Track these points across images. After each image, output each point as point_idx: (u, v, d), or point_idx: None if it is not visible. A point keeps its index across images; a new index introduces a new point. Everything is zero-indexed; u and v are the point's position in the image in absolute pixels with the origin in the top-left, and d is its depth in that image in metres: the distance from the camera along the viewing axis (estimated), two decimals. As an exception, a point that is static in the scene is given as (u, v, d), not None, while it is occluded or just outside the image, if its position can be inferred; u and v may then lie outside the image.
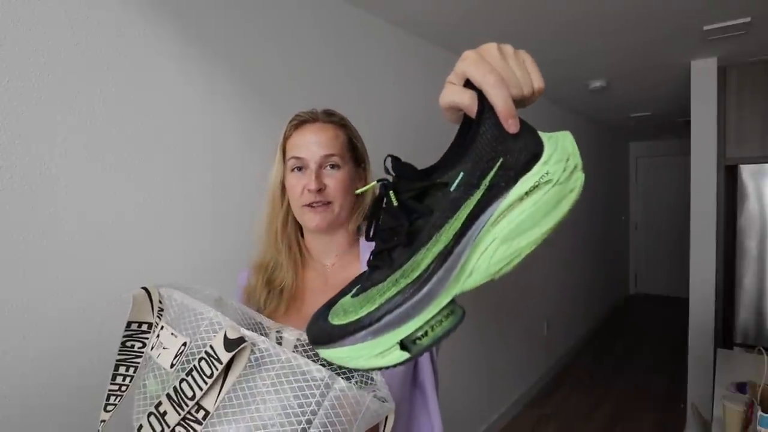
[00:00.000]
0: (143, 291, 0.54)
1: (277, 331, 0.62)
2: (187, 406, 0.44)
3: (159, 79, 1.17)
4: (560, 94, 3.34)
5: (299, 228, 0.86)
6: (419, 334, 0.35)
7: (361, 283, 0.39)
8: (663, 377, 3.48)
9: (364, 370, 0.56)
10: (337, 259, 0.84)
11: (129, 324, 0.52)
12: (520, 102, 0.37)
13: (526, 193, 0.35)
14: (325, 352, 0.37)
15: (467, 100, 0.37)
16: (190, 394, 0.44)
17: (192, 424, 0.44)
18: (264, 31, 1.42)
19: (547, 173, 0.35)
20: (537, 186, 0.35)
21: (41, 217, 0.96)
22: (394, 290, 0.35)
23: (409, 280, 0.35)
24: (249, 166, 1.38)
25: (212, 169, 1.29)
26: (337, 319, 0.37)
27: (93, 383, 1.02)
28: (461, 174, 0.36)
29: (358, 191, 0.45)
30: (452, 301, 0.36)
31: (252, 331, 0.49)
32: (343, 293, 0.41)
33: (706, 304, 2.60)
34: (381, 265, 0.38)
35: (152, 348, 0.51)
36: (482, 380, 2.63)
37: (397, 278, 0.36)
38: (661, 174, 6.01)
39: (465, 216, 0.35)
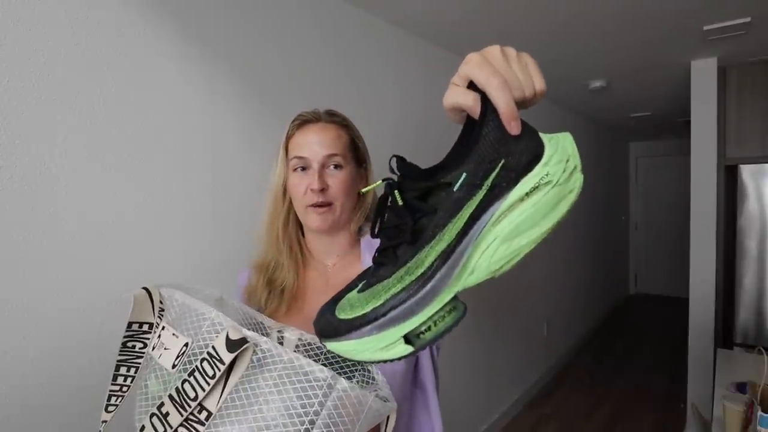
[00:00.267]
0: (144, 291, 0.54)
1: (279, 331, 0.62)
2: (190, 406, 0.44)
3: (159, 79, 1.17)
4: (560, 94, 3.33)
5: (300, 228, 0.86)
6: (423, 328, 0.37)
7: (367, 279, 0.40)
8: (663, 377, 3.48)
9: (367, 365, 0.57)
10: (338, 259, 0.84)
11: (130, 324, 0.52)
12: (521, 104, 0.38)
13: (527, 194, 0.37)
14: (332, 345, 0.38)
15: (471, 102, 0.38)
16: (192, 394, 0.44)
17: (195, 425, 0.44)
18: (264, 31, 1.42)
19: (547, 174, 0.37)
20: (537, 187, 0.36)
21: (41, 217, 0.96)
22: (399, 287, 0.37)
23: (413, 277, 0.37)
24: (249, 166, 1.38)
25: (212, 169, 1.29)
26: (343, 313, 0.38)
27: (93, 383, 1.02)
28: (464, 174, 0.37)
29: (364, 190, 0.45)
30: (455, 298, 0.37)
31: (253, 331, 0.49)
32: (349, 288, 0.42)
33: (706, 304, 2.60)
34: (386, 262, 0.39)
35: (153, 348, 0.51)
36: (482, 380, 2.63)
37: (401, 275, 0.37)
38: (661, 174, 6.01)
39: (467, 215, 0.37)
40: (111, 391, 0.51)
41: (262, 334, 0.58)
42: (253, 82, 1.39)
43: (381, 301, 0.37)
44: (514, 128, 0.36)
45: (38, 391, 0.96)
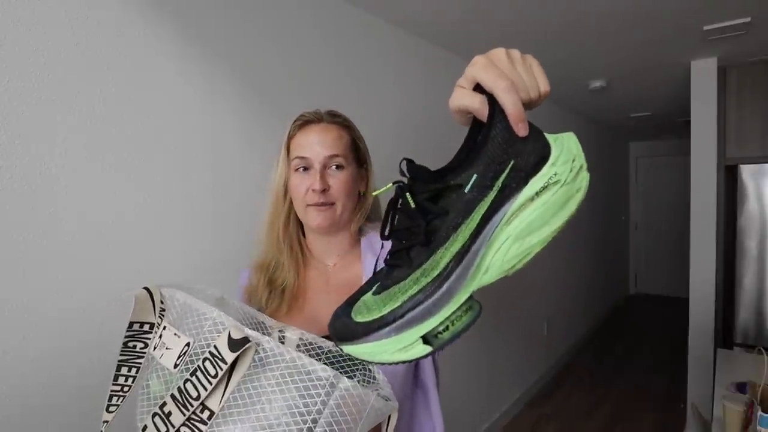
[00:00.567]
0: (145, 291, 0.54)
1: (280, 331, 0.62)
2: (192, 406, 0.44)
3: (159, 79, 1.17)
4: (560, 94, 3.34)
5: (301, 227, 0.86)
6: (441, 328, 0.38)
7: (381, 281, 0.41)
8: (663, 377, 3.48)
9: (369, 364, 0.57)
10: (338, 259, 0.84)
11: (131, 324, 0.52)
12: (527, 105, 0.39)
13: (537, 194, 0.38)
14: (349, 348, 0.39)
15: (478, 104, 0.38)
16: (194, 394, 0.44)
17: (197, 424, 0.44)
18: (264, 31, 1.42)
19: (555, 174, 0.38)
20: (546, 187, 0.38)
21: (41, 217, 0.96)
22: (415, 288, 0.38)
23: (429, 279, 0.38)
24: (249, 166, 1.38)
25: (212, 169, 1.29)
26: (360, 316, 0.39)
27: (93, 383, 1.02)
28: (475, 176, 0.38)
29: (375, 193, 0.45)
30: (470, 297, 0.38)
31: (255, 330, 0.49)
32: (362, 291, 0.42)
33: (706, 304, 2.60)
34: (400, 264, 0.40)
35: (155, 348, 0.51)
36: (482, 379, 2.63)
37: (417, 277, 0.38)
38: (661, 174, 6.01)
39: (480, 216, 0.38)
40: (112, 391, 0.51)
41: (263, 334, 0.58)
42: (253, 82, 1.39)
43: (398, 303, 0.37)
44: (521, 129, 0.37)
45: (38, 391, 0.96)
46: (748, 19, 1.99)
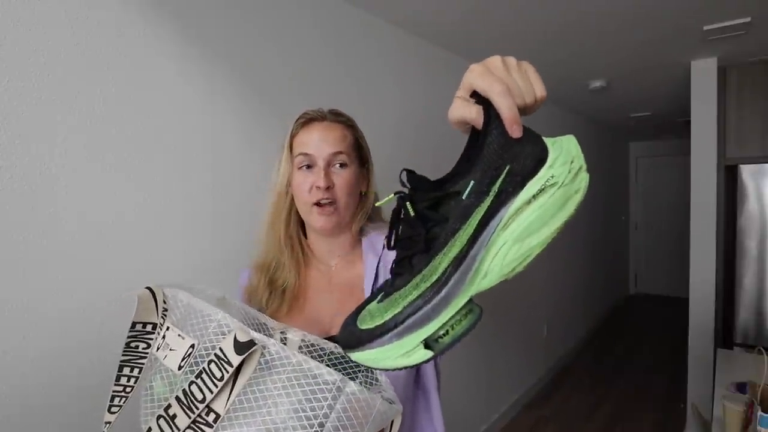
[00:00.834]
0: (148, 291, 0.53)
1: (281, 332, 0.62)
2: (198, 408, 0.44)
3: (159, 79, 1.17)
4: (560, 94, 3.33)
5: (302, 227, 0.86)
6: (441, 333, 0.38)
7: (385, 290, 0.42)
8: (663, 377, 3.48)
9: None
10: (340, 259, 0.84)
11: (134, 324, 0.52)
12: (523, 110, 0.40)
13: (534, 197, 0.38)
14: (355, 355, 0.40)
15: (474, 114, 0.40)
16: (200, 396, 0.44)
17: (202, 427, 0.44)
18: (264, 31, 1.42)
19: (552, 176, 0.38)
20: (543, 189, 0.38)
21: (41, 217, 0.96)
22: (415, 294, 0.38)
23: (428, 284, 0.38)
24: (249, 166, 1.38)
25: (212, 169, 1.29)
26: (364, 324, 0.40)
27: (93, 383, 1.02)
28: (472, 182, 0.39)
29: (378, 204, 0.46)
30: (470, 301, 0.39)
31: (256, 332, 0.49)
32: (368, 300, 0.43)
33: (706, 304, 2.60)
34: (403, 272, 0.41)
35: (158, 349, 0.51)
36: (481, 381, 2.63)
37: (417, 282, 0.39)
38: (661, 174, 6.01)
39: (477, 222, 0.38)
40: (114, 391, 0.51)
41: (265, 335, 0.58)
42: (253, 82, 1.39)
43: (399, 309, 0.38)
44: (516, 131, 0.38)
45: (38, 391, 0.95)
46: (748, 19, 1.99)
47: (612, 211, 5.34)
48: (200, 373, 0.44)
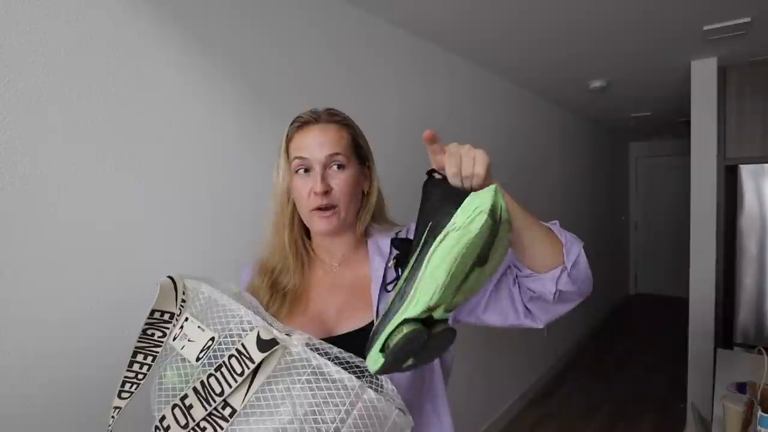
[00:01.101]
0: (169, 280, 0.53)
1: (287, 334, 0.62)
2: (215, 401, 0.44)
3: (159, 79, 1.17)
4: (560, 94, 3.33)
5: (305, 229, 0.85)
6: (388, 342, 0.51)
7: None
8: (663, 377, 3.48)
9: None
10: (344, 259, 0.83)
11: (152, 312, 0.52)
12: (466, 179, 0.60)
13: (441, 240, 0.52)
14: (366, 361, 0.52)
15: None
16: (218, 390, 0.44)
17: (218, 420, 0.44)
18: (264, 31, 1.42)
19: (453, 224, 0.52)
20: (448, 233, 0.52)
21: (41, 217, 0.96)
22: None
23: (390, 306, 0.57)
24: (249, 166, 1.38)
25: (212, 170, 1.29)
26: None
27: (93, 383, 1.02)
28: (416, 237, 0.62)
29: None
30: (404, 321, 0.51)
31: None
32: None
33: (706, 304, 2.60)
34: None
35: (174, 339, 0.51)
36: (483, 379, 2.63)
37: (390, 307, 0.57)
38: (661, 174, 6.00)
39: (411, 263, 0.58)
40: (126, 377, 0.51)
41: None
42: (253, 82, 1.39)
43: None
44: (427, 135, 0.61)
45: (38, 391, 0.95)
46: (748, 19, 1.99)
47: (612, 211, 5.34)
48: (220, 366, 0.44)
